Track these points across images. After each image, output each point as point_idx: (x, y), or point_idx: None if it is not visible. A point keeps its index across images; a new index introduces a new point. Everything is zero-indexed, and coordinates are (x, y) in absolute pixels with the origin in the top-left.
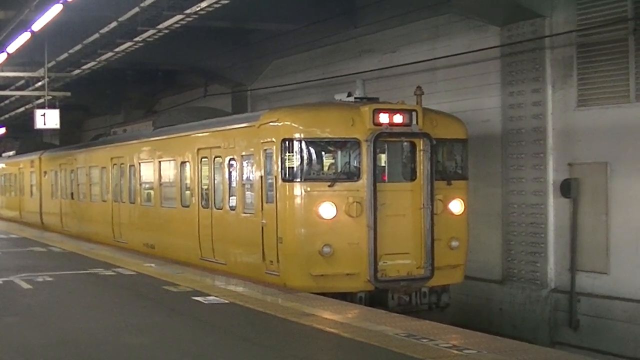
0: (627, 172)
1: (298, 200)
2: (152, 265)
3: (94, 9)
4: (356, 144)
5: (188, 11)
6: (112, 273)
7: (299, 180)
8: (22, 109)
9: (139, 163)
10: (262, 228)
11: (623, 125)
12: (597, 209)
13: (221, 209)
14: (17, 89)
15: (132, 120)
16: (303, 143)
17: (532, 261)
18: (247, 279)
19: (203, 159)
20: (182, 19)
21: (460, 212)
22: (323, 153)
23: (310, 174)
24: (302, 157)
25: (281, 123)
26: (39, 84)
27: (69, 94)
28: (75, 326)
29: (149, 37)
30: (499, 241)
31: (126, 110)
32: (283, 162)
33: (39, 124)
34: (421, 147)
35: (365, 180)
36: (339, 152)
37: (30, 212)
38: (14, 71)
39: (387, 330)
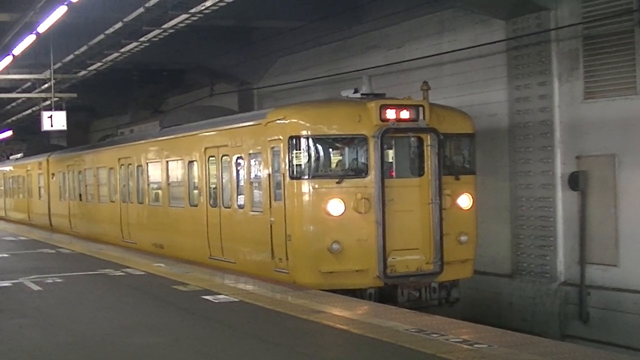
0: (635, 164)
1: (306, 198)
2: (162, 265)
3: (98, 10)
4: (363, 140)
5: (193, 10)
6: (122, 273)
7: (306, 177)
8: (29, 111)
9: (147, 163)
10: (271, 226)
11: (630, 117)
12: (606, 201)
13: (229, 208)
14: (24, 91)
15: (139, 120)
16: (310, 140)
17: (542, 254)
18: (256, 277)
19: (210, 158)
20: (187, 19)
21: (469, 207)
22: (330, 150)
23: (318, 171)
24: (309, 154)
25: (288, 121)
26: (45, 85)
27: (75, 95)
28: (85, 327)
29: (154, 37)
30: (507, 235)
31: (133, 110)
32: (290, 159)
33: (46, 125)
34: (428, 142)
35: (373, 176)
36: (347, 149)
37: (38, 214)
38: (20, 73)
39: (397, 326)
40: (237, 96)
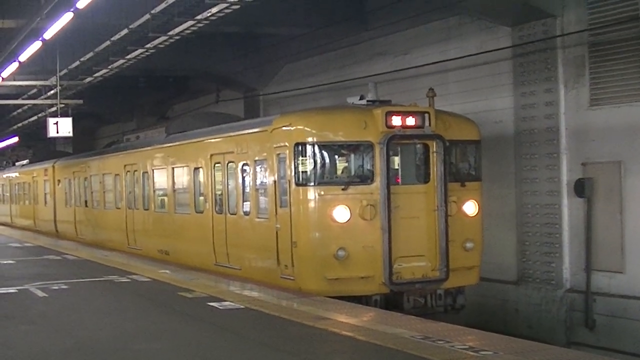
0: None
1: (312, 204)
2: (167, 271)
3: (104, 17)
4: (369, 146)
5: (199, 17)
6: (127, 280)
7: (312, 184)
8: (35, 117)
9: (152, 170)
10: (277, 232)
11: (636, 124)
12: (612, 208)
13: (235, 214)
14: (30, 97)
15: (145, 127)
16: (316, 147)
17: (547, 261)
18: (262, 283)
19: (216, 165)
20: (193, 25)
21: (475, 214)
22: (336, 156)
23: (324, 178)
24: (315, 161)
25: (294, 127)
26: (51, 92)
27: (81, 101)
28: (91, 333)
29: (160, 43)
30: (513, 242)
31: (138, 117)
32: (296, 166)
33: (52, 132)
34: (434, 149)
35: (378, 183)
36: (352, 156)
37: (44, 220)
38: (26, 80)
39: (403, 333)
40: (242, 103)
